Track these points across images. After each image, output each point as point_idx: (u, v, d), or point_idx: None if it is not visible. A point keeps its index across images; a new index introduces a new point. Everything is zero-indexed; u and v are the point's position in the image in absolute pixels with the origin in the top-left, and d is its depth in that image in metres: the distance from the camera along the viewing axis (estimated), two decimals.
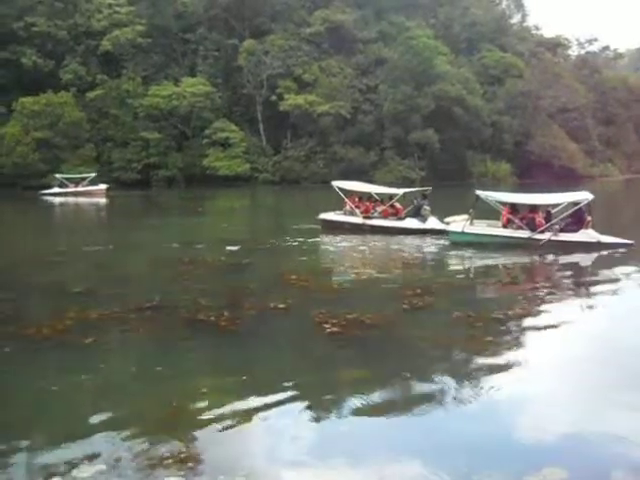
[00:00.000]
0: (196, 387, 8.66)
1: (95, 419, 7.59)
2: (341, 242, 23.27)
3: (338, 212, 26.66)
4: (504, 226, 21.11)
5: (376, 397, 8.26)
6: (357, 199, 26.74)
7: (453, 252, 20.46)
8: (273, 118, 72.58)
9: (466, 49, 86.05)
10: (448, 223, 22.16)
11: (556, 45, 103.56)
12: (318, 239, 23.14)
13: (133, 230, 28.94)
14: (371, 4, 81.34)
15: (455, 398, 8.14)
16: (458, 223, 21.57)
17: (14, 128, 63.14)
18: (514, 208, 21.40)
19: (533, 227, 20.38)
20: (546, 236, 19.92)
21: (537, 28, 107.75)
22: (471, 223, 21.30)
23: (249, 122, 74.21)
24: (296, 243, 22.23)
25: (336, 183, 27.51)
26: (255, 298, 13.47)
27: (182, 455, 6.71)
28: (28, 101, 63.94)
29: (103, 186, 56.60)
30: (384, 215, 25.29)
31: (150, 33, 71.50)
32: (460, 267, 18.77)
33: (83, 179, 56.60)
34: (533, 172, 75.65)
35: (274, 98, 71.48)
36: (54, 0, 71.74)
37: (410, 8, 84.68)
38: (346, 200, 26.42)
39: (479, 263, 19.06)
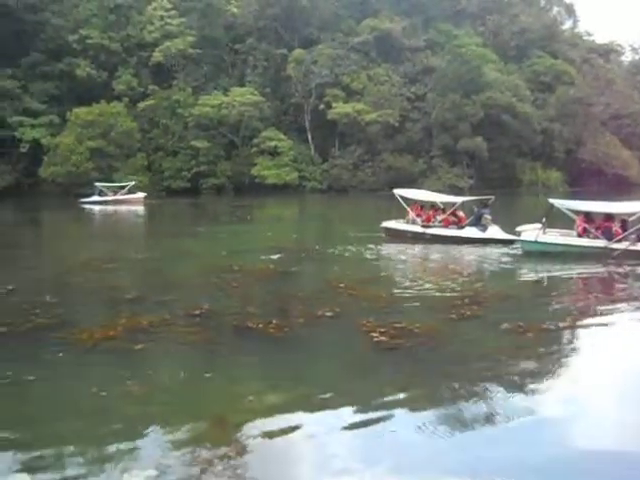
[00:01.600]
0: (244, 394, 8.70)
1: (145, 425, 7.69)
2: (396, 251, 23.04)
3: (400, 220, 26.32)
4: (579, 235, 20.52)
5: (423, 408, 8.18)
6: (419, 207, 26.40)
7: (513, 262, 20.07)
8: (321, 127, 72.76)
9: (516, 56, 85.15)
10: (519, 232, 21.54)
11: (609, 51, 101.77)
12: (369, 247, 22.96)
13: (182, 237, 29.24)
14: (419, 12, 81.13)
15: (503, 411, 8.00)
16: (530, 232, 20.95)
17: (68, 138, 64.45)
18: (589, 217, 20.83)
19: (609, 236, 19.70)
20: (623, 245, 19.27)
21: (589, 34, 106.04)
22: (544, 232, 20.72)
23: (297, 131, 74.52)
24: (345, 251, 22.14)
25: (398, 191, 27.09)
26: (303, 306, 13.47)
27: (230, 461, 6.74)
28: (82, 111, 65.23)
29: (141, 194, 57.20)
30: (445, 224, 24.79)
31: (200, 44, 72.43)
32: (518, 277, 18.31)
33: (122, 187, 57.30)
34: (584, 180, 74.27)
35: (322, 107, 71.67)
36: (108, 13, 73.34)
37: (458, 16, 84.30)
38: (407, 208, 26.06)
39: (542, 273, 18.57)
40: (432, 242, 23.87)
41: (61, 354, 10.33)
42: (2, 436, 7.49)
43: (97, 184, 57.33)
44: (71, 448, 7.20)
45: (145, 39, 73.15)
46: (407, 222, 25.91)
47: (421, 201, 26.93)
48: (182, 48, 70.95)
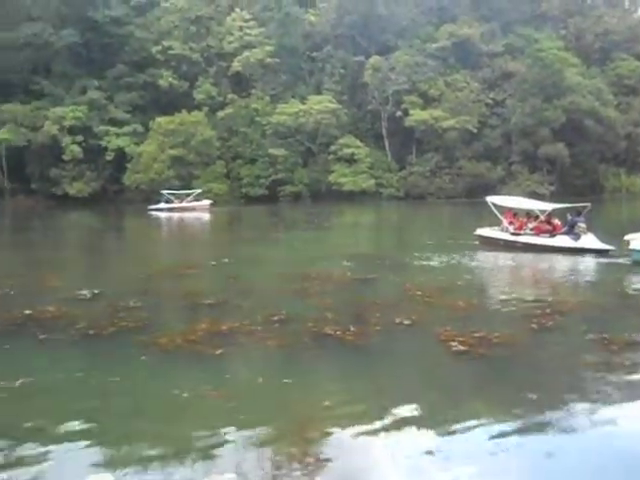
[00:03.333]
0: (321, 400, 8.72)
1: (224, 428, 7.80)
2: (480, 259, 22.71)
3: (495, 228, 25.68)
4: None
5: (501, 419, 8.04)
6: (512, 215, 25.69)
7: (609, 271, 19.42)
8: (398, 134, 72.51)
9: (599, 59, 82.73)
10: (628, 241, 20.32)
11: None
12: (448, 255, 22.59)
13: (259, 244, 29.60)
14: (498, 17, 79.87)
15: (582, 424, 7.78)
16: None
17: (151, 146, 66.29)
18: None
19: None
20: None
21: None
22: None
23: (374, 138, 74.45)
24: (423, 259, 21.93)
25: (490, 198, 26.60)
26: (380, 313, 13.42)
27: (309, 467, 6.76)
28: (164, 120, 67.00)
29: (207, 202, 58.43)
30: (536, 232, 23.99)
31: (278, 53, 73.33)
32: (611, 287, 17.59)
33: (188, 195, 58.49)
34: None
35: (399, 114, 71.40)
36: (189, 24, 75.24)
37: (539, 19, 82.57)
38: (499, 216, 25.47)
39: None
40: (524, 250, 23.27)
41: (144, 357, 10.59)
42: (85, 434, 7.73)
43: (164, 191, 58.69)
44: (151, 448, 7.36)
45: (225, 49, 74.66)
46: (502, 230, 25.23)
47: (515, 208, 26.17)
48: (261, 58, 72.02)
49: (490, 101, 75.24)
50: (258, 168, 69.85)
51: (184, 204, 57.22)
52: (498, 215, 25.60)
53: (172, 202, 57.65)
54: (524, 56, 74.62)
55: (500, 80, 76.67)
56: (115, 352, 11.19)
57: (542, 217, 24.40)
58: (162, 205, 57.14)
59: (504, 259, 22.50)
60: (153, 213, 54.22)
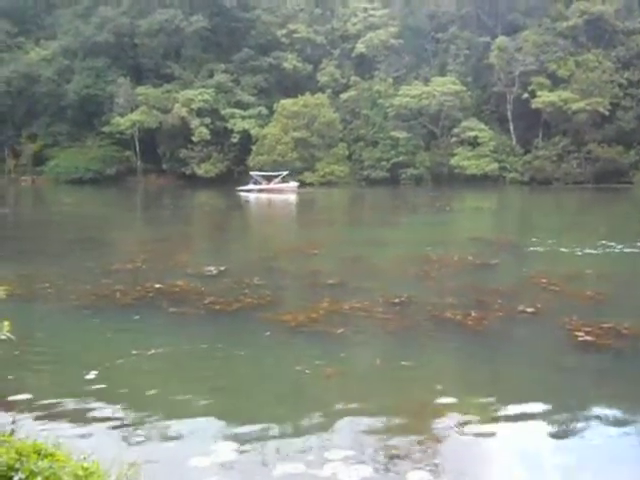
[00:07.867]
0: (439, 384, 8.74)
1: (342, 406, 8.01)
2: (613, 247, 21.27)
3: None
4: None
5: (628, 415, 7.79)
6: None
7: None
8: (524, 116, 70.29)
9: None
10: None
11: None
12: (574, 242, 21.72)
13: (381, 226, 29.58)
14: None
15: None
16: None
17: (275, 128, 67.48)
18: None
19: None
20: None
21: None
22: None
23: (499, 121, 72.56)
24: (549, 245, 21.20)
25: None
26: (502, 300, 13.20)
27: (425, 451, 6.81)
28: (288, 103, 67.99)
29: (294, 184, 58.73)
30: None
31: (402, 34, 72.72)
32: None
33: (275, 176, 58.94)
34: None
35: (526, 96, 69.14)
36: (314, 7, 75.89)
37: None
38: None
39: None
40: None
41: (268, 333, 10.94)
42: (209, 405, 8.13)
43: (252, 173, 59.51)
44: (271, 421, 7.63)
45: (349, 31, 74.76)
46: None
47: None
48: (384, 39, 71.60)
49: (624, 81, 71.52)
50: (380, 151, 69.71)
51: (272, 186, 57.97)
52: None
53: (260, 184, 58.57)
54: None
55: (636, 59, 72.69)
56: (240, 327, 11.62)
57: None
58: (251, 186, 58.08)
59: None
60: (242, 194, 55.26)
